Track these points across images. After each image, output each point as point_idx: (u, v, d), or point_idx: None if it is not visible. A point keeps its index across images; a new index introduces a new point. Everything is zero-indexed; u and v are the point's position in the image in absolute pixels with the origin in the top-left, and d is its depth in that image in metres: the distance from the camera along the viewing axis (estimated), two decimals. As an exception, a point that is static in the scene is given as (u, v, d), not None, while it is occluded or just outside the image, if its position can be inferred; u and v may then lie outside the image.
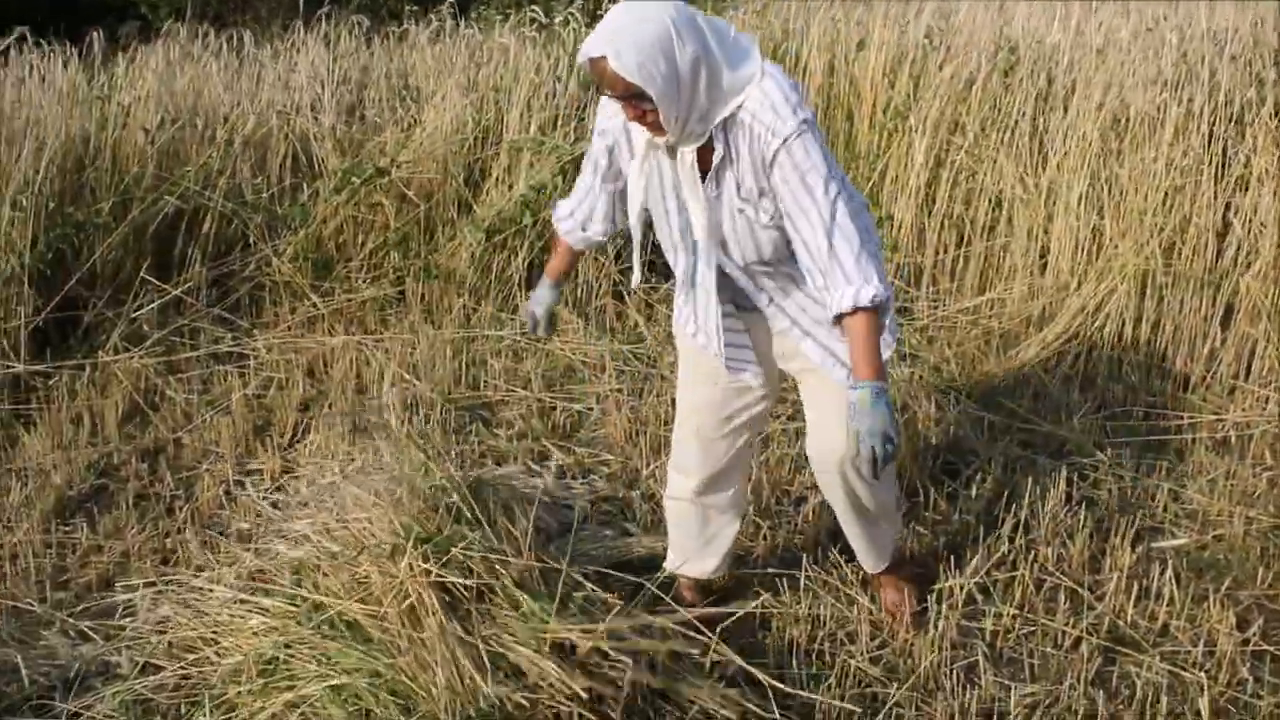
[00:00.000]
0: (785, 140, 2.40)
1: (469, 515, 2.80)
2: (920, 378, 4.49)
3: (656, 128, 2.44)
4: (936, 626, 3.03)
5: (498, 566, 2.66)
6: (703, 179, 2.53)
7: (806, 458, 2.98)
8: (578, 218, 2.92)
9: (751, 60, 2.45)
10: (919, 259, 5.39)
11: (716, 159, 2.50)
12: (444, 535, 2.70)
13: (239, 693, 2.63)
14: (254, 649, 2.70)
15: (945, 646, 2.96)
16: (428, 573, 2.60)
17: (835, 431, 2.70)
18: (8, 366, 4.48)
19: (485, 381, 4.51)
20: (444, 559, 2.64)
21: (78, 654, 2.94)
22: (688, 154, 2.51)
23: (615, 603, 2.73)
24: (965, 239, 5.36)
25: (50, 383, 4.48)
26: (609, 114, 2.66)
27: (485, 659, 2.47)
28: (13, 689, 2.79)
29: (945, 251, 5.37)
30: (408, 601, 2.58)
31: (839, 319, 2.45)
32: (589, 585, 2.77)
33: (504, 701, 2.43)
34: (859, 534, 3.05)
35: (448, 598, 2.61)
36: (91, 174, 5.06)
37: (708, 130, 2.47)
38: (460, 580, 2.61)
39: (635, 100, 2.39)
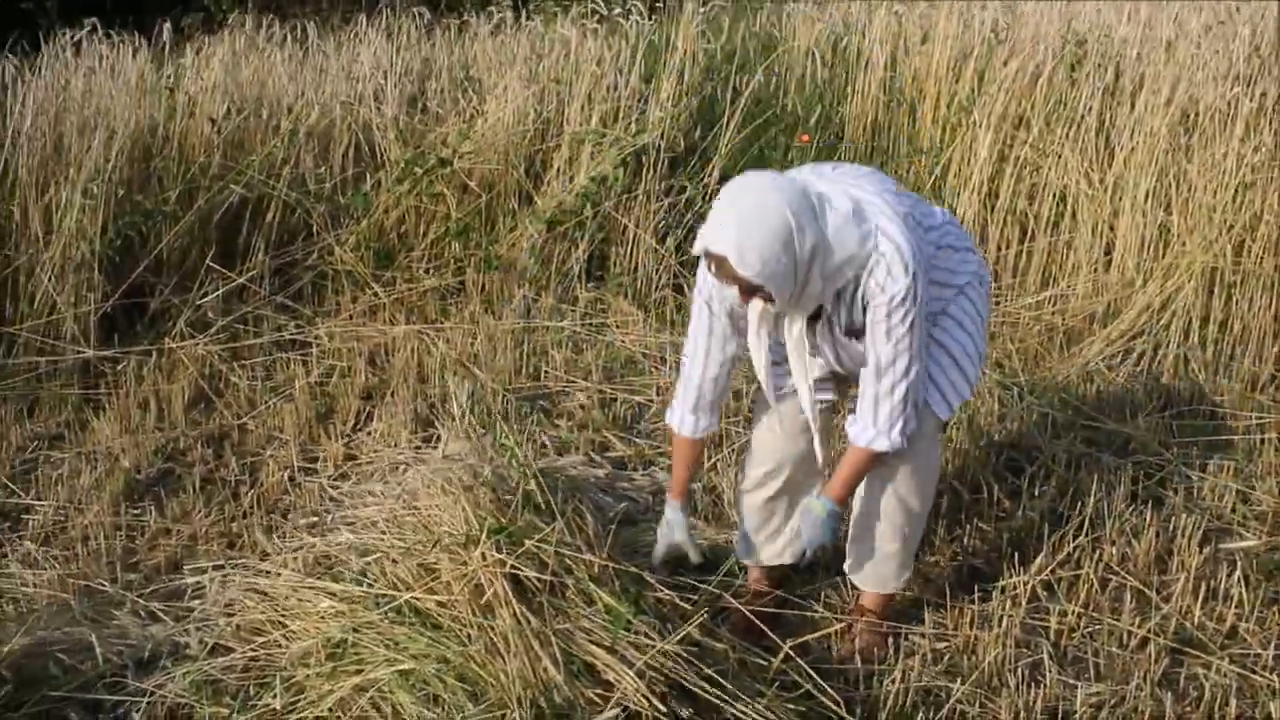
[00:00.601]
0: (891, 298, 2.50)
1: (543, 507, 2.82)
2: (983, 373, 4.45)
3: (769, 301, 2.52)
4: (1000, 623, 3.01)
5: (569, 561, 2.68)
6: (810, 324, 2.67)
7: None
8: (705, 401, 2.87)
9: (863, 226, 2.48)
10: (982, 253, 5.33)
11: (827, 309, 2.63)
12: (518, 526, 2.72)
13: (307, 675, 2.66)
14: (322, 633, 2.73)
15: (1009, 644, 2.94)
16: (502, 563, 2.61)
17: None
18: (78, 352, 4.55)
19: (546, 372, 4.53)
20: (518, 551, 2.65)
21: (148, 634, 2.98)
22: (796, 322, 2.63)
23: (684, 605, 2.74)
24: (1029, 234, 5.32)
25: (118, 368, 4.55)
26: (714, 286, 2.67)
27: (558, 653, 2.48)
28: (87, 666, 2.83)
29: (1008, 246, 5.32)
30: (479, 590, 2.59)
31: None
32: (661, 588, 2.78)
33: (578, 698, 2.43)
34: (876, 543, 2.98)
35: (520, 589, 2.62)
36: (159, 163, 5.13)
37: (819, 305, 2.59)
38: (535, 574, 2.62)
39: (752, 292, 2.48)
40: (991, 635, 2.96)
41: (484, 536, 2.66)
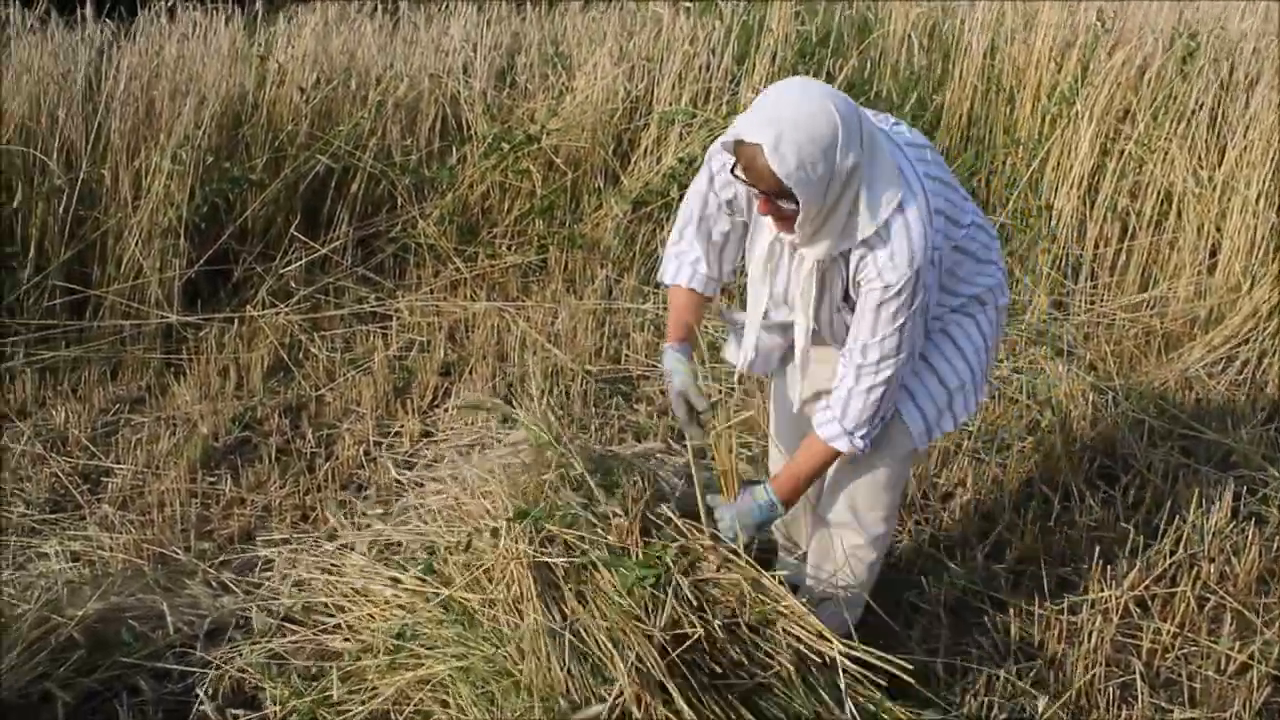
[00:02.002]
0: (886, 287, 2.31)
1: (585, 489, 2.73)
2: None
3: (787, 225, 2.31)
4: (1089, 639, 2.89)
5: (587, 542, 2.57)
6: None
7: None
8: (698, 257, 2.62)
9: (894, 188, 2.28)
10: (1078, 251, 5.16)
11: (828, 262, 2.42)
12: (539, 509, 2.61)
13: (367, 665, 2.62)
14: (383, 625, 2.70)
15: (1099, 662, 2.82)
16: (528, 553, 2.54)
17: None
18: (161, 316, 4.57)
19: (626, 355, 4.46)
20: (542, 534, 2.56)
21: (218, 605, 2.97)
22: (808, 259, 2.40)
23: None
24: (1129, 232, 5.13)
25: (200, 334, 4.56)
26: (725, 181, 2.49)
27: (567, 653, 2.39)
28: (157, 635, 2.82)
29: (1107, 244, 5.14)
30: (513, 586, 2.53)
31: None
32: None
33: (585, 698, 2.35)
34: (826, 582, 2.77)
35: (547, 577, 2.55)
36: (247, 131, 5.13)
37: (835, 253, 2.35)
38: (561, 559, 2.53)
39: (776, 197, 2.24)
40: (1081, 651, 2.84)
41: (507, 524, 2.58)
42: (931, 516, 3.45)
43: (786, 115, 2.16)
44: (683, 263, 2.64)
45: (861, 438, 2.47)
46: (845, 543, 2.67)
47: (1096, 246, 5.17)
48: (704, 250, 2.60)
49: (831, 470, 2.64)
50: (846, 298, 2.44)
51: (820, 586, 2.72)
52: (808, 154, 2.15)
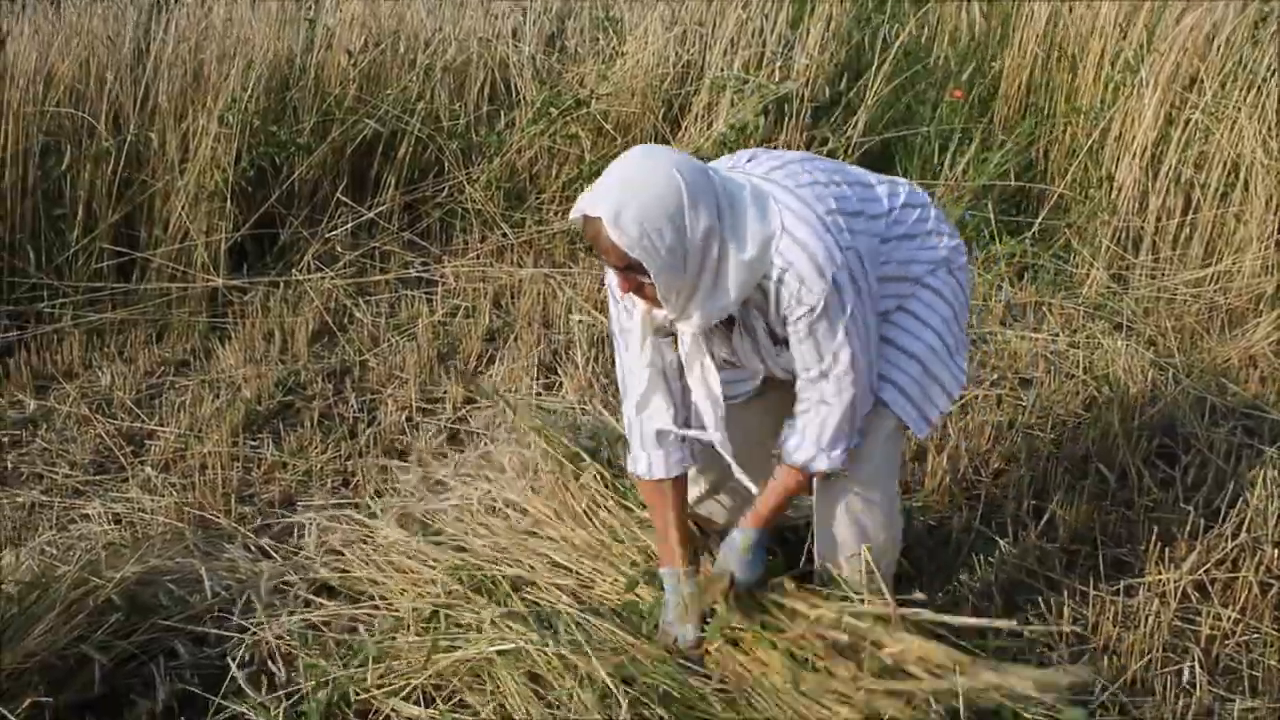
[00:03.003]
0: (811, 309, 2.20)
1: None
2: (1135, 350, 4.18)
3: (655, 301, 2.22)
4: (1146, 623, 2.79)
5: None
6: (729, 329, 2.37)
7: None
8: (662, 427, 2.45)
9: (766, 221, 2.17)
10: (1140, 223, 5.02)
11: (740, 315, 2.32)
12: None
13: (401, 642, 2.61)
14: (415, 605, 2.70)
15: (1156, 647, 2.72)
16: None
17: None
18: (207, 279, 4.56)
19: (672, 324, 4.38)
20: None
21: (257, 570, 2.95)
22: (686, 333, 2.31)
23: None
24: (1193, 204, 4.97)
25: (245, 298, 4.55)
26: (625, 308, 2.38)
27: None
28: (195, 599, 2.81)
29: (1169, 217, 4.99)
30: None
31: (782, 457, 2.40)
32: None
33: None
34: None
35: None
36: (295, 94, 5.10)
37: (719, 319, 2.25)
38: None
39: (631, 271, 2.15)
40: (1137, 635, 2.75)
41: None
42: (983, 493, 3.35)
43: (627, 185, 2.08)
44: (644, 450, 2.49)
45: (841, 453, 2.37)
46: (850, 528, 2.52)
47: (1158, 219, 5.02)
48: (667, 402, 2.46)
49: None
50: (776, 341, 2.34)
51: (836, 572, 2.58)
52: (651, 222, 2.07)
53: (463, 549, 2.90)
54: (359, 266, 4.76)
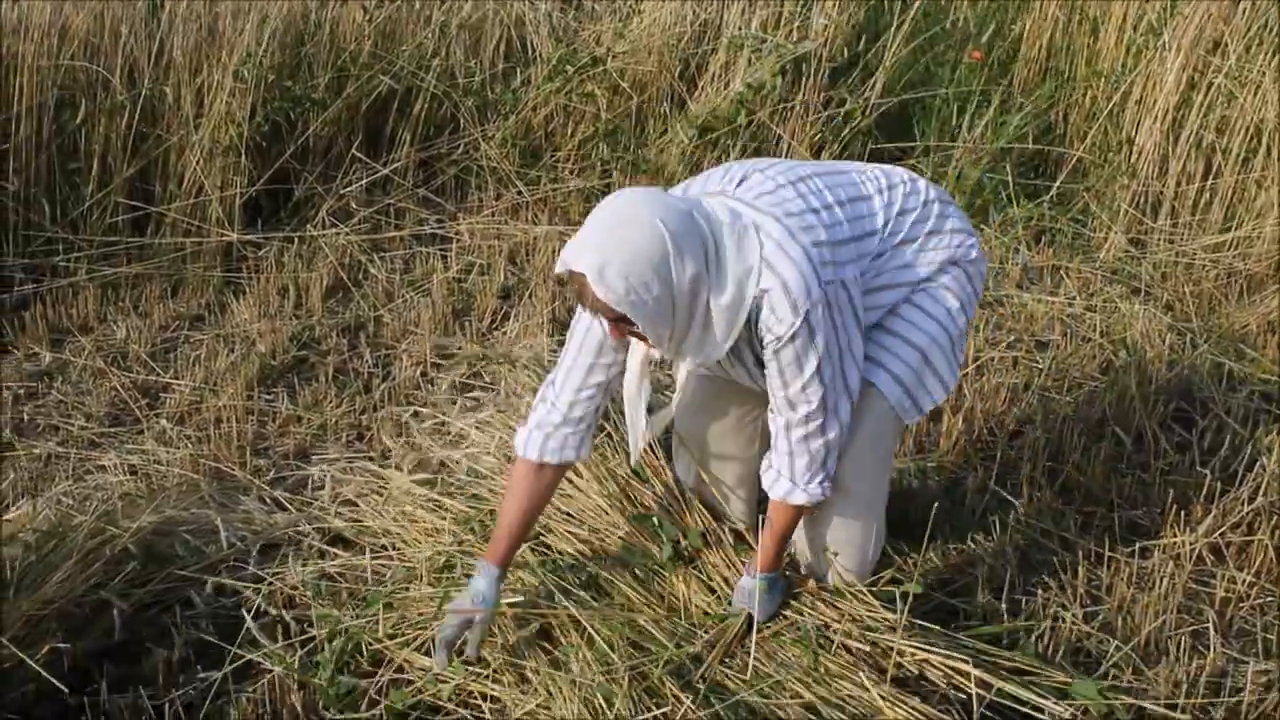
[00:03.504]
0: (778, 339, 2.17)
1: None
2: (1152, 315, 4.16)
3: (648, 343, 2.20)
4: (1160, 585, 2.79)
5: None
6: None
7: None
8: (565, 416, 2.39)
9: (744, 256, 2.13)
10: (1159, 188, 4.98)
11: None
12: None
13: (414, 592, 2.62)
14: (429, 553, 2.70)
15: (1170, 609, 2.72)
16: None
17: None
18: (222, 234, 4.55)
19: (687, 284, 4.37)
20: None
21: (272, 522, 2.96)
22: (682, 369, 2.33)
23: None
24: (1214, 169, 4.92)
25: (260, 253, 4.54)
26: None
27: None
28: (211, 549, 2.82)
29: (1189, 182, 4.95)
30: None
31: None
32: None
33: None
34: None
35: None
36: (310, 50, 5.05)
37: (715, 359, 2.23)
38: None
39: (621, 322, 2.12)
40: (1151, 597, 2.75)
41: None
42: (998, 454, 3.34)
43: (609, 238, 2.04)
44: (533, 429, 2.42)
45: (819, 485, 2.35)
46: (836, 512, 2.50)
47: (1178, 183, 4.97)
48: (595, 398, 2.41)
49: None
50: (763, 366, 2.30)
51: (820, 557, 2.57)
52: (637, 277, 2.03)
53: (477, 498, 2.90)
54: (374, 223, 4.75)
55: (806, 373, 2.20)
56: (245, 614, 2.59)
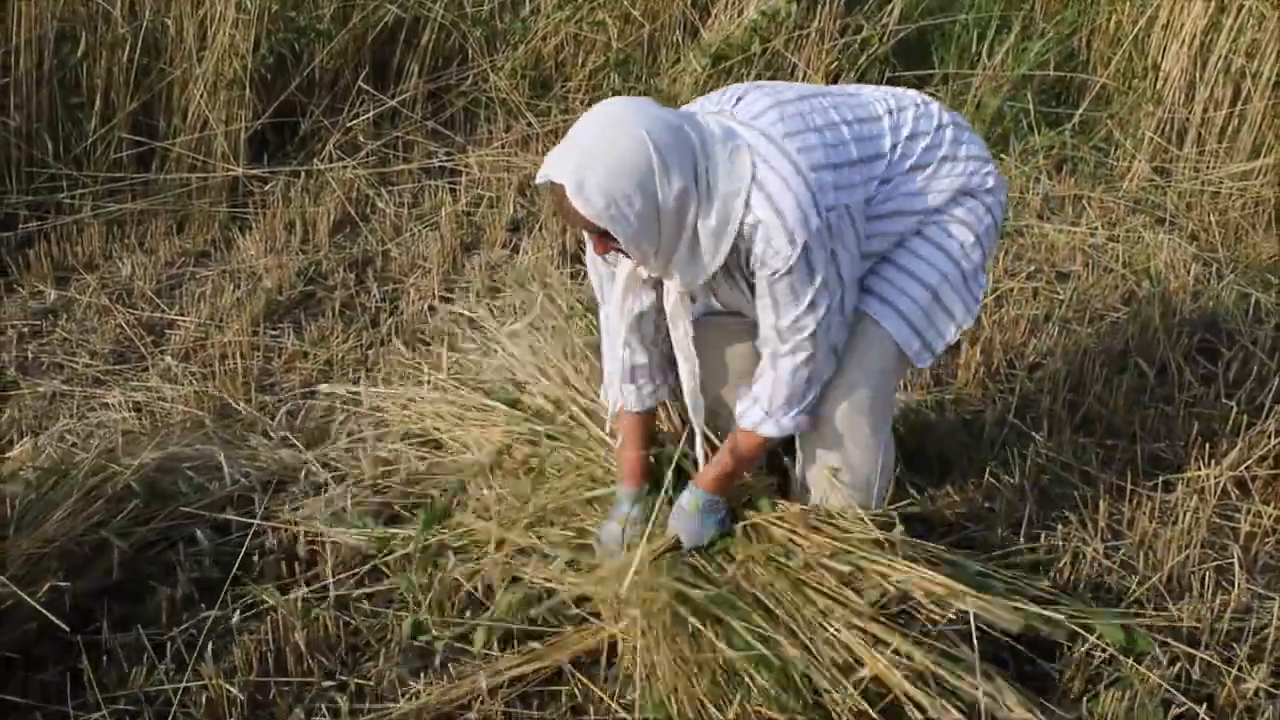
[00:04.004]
0: (773, 273, 2.07)
1: None
2: (1177, 245, 4.07)
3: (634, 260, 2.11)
4: (1183, 519, 2.72)
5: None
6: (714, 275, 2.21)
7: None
8: (640, 364, 2.37)
9: (734, 176, 2.03)
10: (1185, 114, 4.85)
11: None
12: None
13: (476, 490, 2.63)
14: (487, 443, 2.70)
15: (1193, 543, 2.66)
16: None
17: None
18: (227, 169, 4.48)
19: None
20: None
21: (277, 458, 2.91)
22: (672, 290, 2.20)
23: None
24: (1243, 95, 4.78)
25: (266, 188, 4.47)
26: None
27: None
28: (215, 486, 2.78)
29: (1217, 108, 4.81)
30: None
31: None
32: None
33: None
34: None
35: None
36: (314, -22, 4.97)
37: (703, 279, 2.13)
38: None
39: (601, 235, 2.03)
40: (1174, 531, 2.68)
41: None
42: (1017, 387, 3.27)
43: (591, 150, 1.94)
44: (621, 383, 2.40)
45: (792, 419, 2.26)
46: (837, 454, 2.40)
47: (1205, 110, 4.84)
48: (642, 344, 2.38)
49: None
50: (755, 292, 2.21)
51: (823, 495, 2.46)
52: (619, 190, 1.93)
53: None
54: (381, 156, 4.67)
55: (801, 306, 2.11)
56: (250, 550, 2.55)
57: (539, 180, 2.00)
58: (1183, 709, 2.20)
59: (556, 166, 1.96)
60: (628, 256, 2.12)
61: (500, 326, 3.25)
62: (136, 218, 4.29)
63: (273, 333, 3.62)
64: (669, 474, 2.40)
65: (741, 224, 2.05)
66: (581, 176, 1.93)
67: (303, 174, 4.51)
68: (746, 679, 2.11)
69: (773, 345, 2.20)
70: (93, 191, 4.32)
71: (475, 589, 2.46)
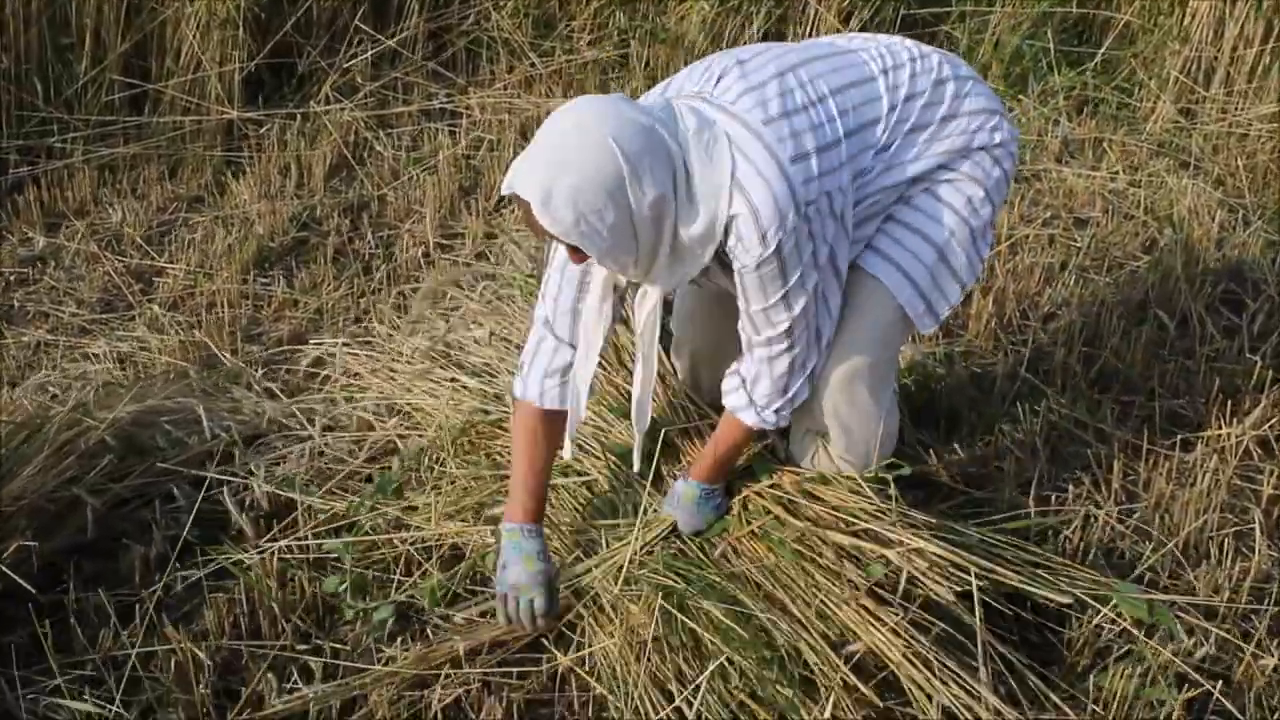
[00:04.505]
0: (744, 267, 1.95)
1: None
2: (1201, 190, 3.92)
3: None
4: (1202, 481, 2.61)
5: None
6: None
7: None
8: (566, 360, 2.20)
9: (714, 174, 1.89)
10: (1213, 53, 4.67)
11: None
12: None
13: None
14: (447, 421, 2.61)
15: (1213, 506, 2.54)
16: None
17: None
18: (221, 112, 4.37)
19: (707, 159, 4.16)
20: None
21: (260, 410, 2.83)
22: (651, 295, 2.07)
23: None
24: (1274, 32, 4.61)
25: (261, 130, 4.36)
26: None
27: None
28: (194, 440, 2.69)
29: (1247, 46, 4.64)
30: None
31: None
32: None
33: None
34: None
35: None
36: (312, -87, 4.82)
37: (678, 283, 2.03)
38: None
39: (575, 249, 1.89)
40: (1193, 493, 2.57)
41: None
42: (1030, 339, 3.15)
43: (558, 161, 1.78)
44: (538, 375, 2.21)
45: (774, 413, 2.16)
46: (830, 440, 2.30)
47: (1234, 48, 4.67)
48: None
49: None
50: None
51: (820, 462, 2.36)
52: (587, 203, 1.78)
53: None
54: (380, 98, 4.55)
55: (772, 299, 2.00)
56: (232, 507, 2.47)
57: (504, 191, 1.86)
58: (1198, 690, 2.09)
59: (521, 179, 1.82)
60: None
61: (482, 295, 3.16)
62: (129, 162, 4.20)
63: (263, 280, 3.53)
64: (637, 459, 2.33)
65: (723, 220, 1.94)
66: (547, 190, 1.79)
67: (299, 116, 4.40)
68: (725, 660, 2.03)
69: (748, 334, 2.11)
70: (84, 135, 4.22)
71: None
